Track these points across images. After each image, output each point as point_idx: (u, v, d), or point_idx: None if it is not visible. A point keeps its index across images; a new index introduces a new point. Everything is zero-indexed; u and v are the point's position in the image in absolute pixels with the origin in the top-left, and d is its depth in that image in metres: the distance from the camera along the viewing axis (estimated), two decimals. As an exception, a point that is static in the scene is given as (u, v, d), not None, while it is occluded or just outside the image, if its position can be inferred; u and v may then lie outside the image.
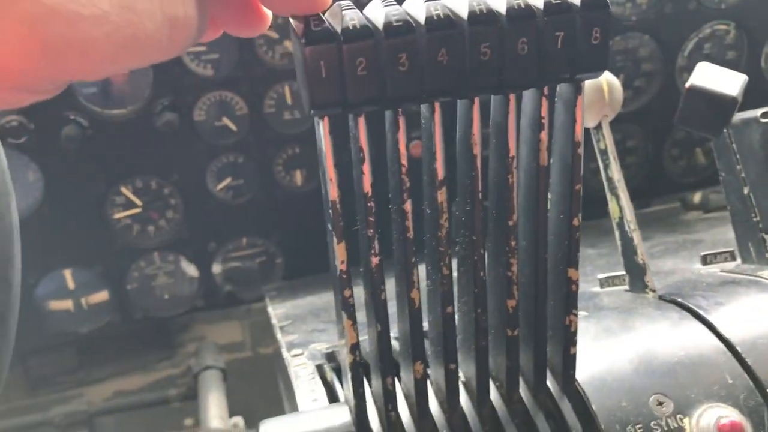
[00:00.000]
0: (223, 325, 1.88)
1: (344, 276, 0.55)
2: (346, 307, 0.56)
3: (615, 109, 0.79)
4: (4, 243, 0.66)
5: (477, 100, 0.52)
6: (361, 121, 0.51)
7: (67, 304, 1.40)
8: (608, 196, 0.80)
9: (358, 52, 0.47)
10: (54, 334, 1.39)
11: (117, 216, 1.34)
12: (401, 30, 0.47)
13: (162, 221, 1.37)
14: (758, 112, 0.93)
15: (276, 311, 1.02)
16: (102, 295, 1.40)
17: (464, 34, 0.48)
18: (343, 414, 0.56)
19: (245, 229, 1.41)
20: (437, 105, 0.52)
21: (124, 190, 1.33)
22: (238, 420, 1.63)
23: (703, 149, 1.41)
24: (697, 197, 1.35)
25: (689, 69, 1.35)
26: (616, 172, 0.79)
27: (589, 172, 1.39)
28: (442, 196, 0.54)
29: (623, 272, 0.82)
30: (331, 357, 0.74)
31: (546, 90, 0.53)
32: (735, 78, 0.83)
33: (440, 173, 0.53)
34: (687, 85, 0.83)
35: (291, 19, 0.50)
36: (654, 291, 0.77)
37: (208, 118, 1.32)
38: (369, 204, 0.53)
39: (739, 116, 0.95)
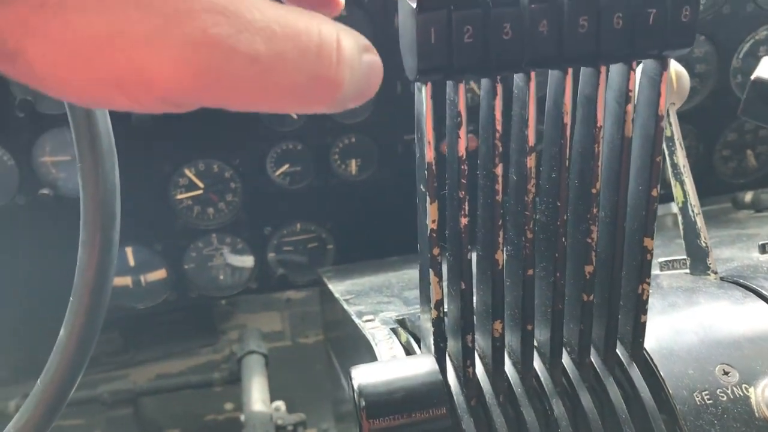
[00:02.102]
0: (264, 315, 1.93)
1: (434, 235, 0.58)
2: (434, 264, 0.59)
3: (682, 97, 0.82)
4: (108, 202, 0.71)
5: (570, 70, 0.55)
6: (462, 87, 0.55)
7: (127, 280, 1.45)
8: (672, 182, 0.83)
9: (466, 20, 0.51)
10: (112, 308, 1.45)
11: (179, 197, 1.40)
12: (507, 0, 0.51)
13: (221, 204, 1.42)
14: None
15: (336, 288, 1.06)
16: (160, 273, 1.46)
17: (564, 7, 0.51)
18: (428, 362, 0.59)
19: (300, 215, 1.46)
20: (533, 74, 0.55)
21: (187, 171, 1.38)
22: (280, 404, 1.68)
23: (755, 151, 1.43)
24: (748, 196, 1.36)
25: (743, 71, 1.37)
26: (681, 158, 0.82)
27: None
28: (531, 161, 0.58)
29: (683, 256, 0.84)
30: (402, 323, 0.78)
31: (634, 64, 0.56)
32: (799, 72, 0.85)
33: (531, 139, 0.57)
34: (752, 77, 0.85)
35: None
36: (716, 273, 0.79)
37: (271, 105, 1.36)
38: (462, 167, 0.57)
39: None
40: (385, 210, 1.43)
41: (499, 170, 0.57)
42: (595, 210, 0.60)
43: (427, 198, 0.58)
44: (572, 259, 0.63)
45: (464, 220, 0.58)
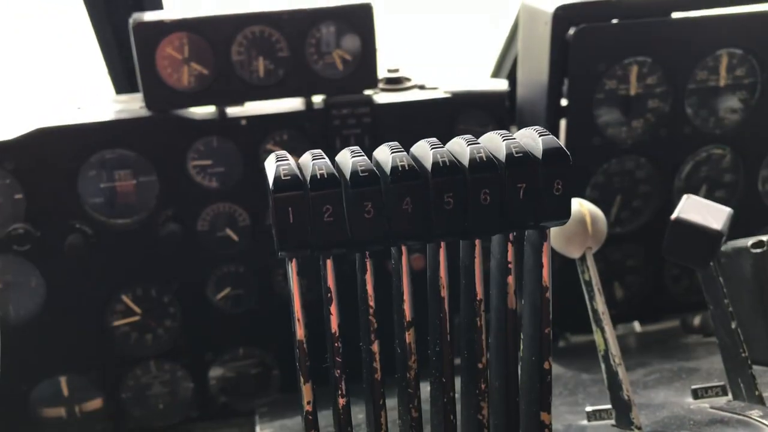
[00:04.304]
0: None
1: (310, 417, 0.54)
2: (312, 448, 0.55)
3: (599, 241, 0.80)
4: None
5: (443, 244, 0.53)
6: (329, 263, 0.52)
7: (60, 411, 1.38)
8: (593, 327, 0.79)
9: (324, 200, 0.49)
10: (45, 441, 1.37)
11: (116, 323, 1.35)
12: (367, 180, 0.49)
13: (160, 330, 1.37)
14: (749, 241, 0.93)
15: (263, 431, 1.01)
16: (96, 403, 1.39)
17: (428, 185, 0.49)
18: None
19: (243, 339, 1.41)
20: (404, 248, 0.53)
21: (124, 298, 1.34)
22: None
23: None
24: (696, 320, 1.33)
25: (687, 190, 1.36)
26: (600, 305, 0.78)
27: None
28: (410, 337, 0.54)
29: (610, 405, 0.80)
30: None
31: (512, 236, 0.54)
32: (720, 211, 0.84)
33: (408, 314, 0.54)
34: (672, 217, 0.84)
35: (266, 165, 0.52)
36: (639, 429, 0.75)
37: (211, 229, 1.34)
38: (336, 344, 0.53)
39: (730, 244, 0.96)
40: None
41: (375, 347, 0.54)
42: (483, 386, 0.56)
43: (301, 378, 0.54)
44: (465, 435, 0.59)
45: (342, 401, 0.54)
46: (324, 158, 0.51)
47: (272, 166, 0.50)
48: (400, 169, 0.49)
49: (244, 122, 1.30)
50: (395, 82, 1.39)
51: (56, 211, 1.26)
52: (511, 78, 1.58)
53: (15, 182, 1.24)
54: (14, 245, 1.25)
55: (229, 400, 1.43)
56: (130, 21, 1.21)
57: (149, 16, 1.22)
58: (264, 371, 1.43)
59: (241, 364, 1.43)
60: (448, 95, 1.35)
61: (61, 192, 1.26)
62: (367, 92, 1.33)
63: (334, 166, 0.51)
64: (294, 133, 1.32)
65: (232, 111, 1.31)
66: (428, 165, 0.50)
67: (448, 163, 0.49)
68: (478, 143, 0.51)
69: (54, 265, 1.29)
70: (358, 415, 0.85)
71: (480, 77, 1.64)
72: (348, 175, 0.49)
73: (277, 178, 0.49)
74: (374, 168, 0.49)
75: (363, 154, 0.51)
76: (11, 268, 1.27)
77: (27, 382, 1.34)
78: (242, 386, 1.43)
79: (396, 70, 1.41)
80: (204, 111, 1.31)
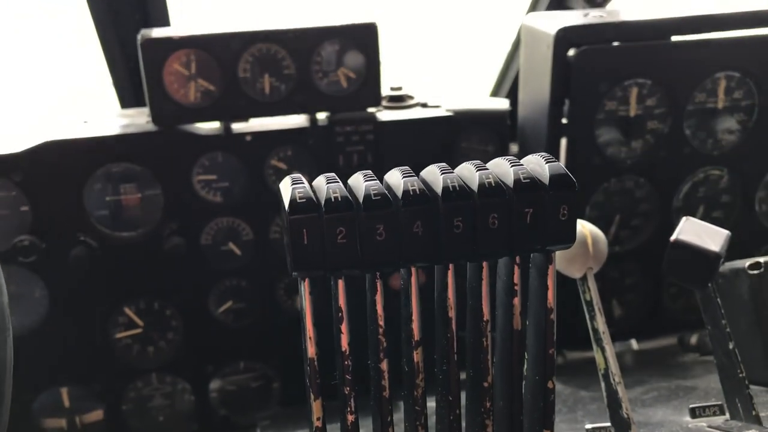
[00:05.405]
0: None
1: (320, 432, 0.55)
2: (321, 463, 0.56)
3: (599, 262, 0.81)
4: None
5: (452, 266, 0.54)
6: (341, 283, 0.53)
7: (61, 422, 1.39)
8: (594, 347, 0.81)
9: (338, 222, 0.50)
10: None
11: (118, 336, 1.36)
12: (379, 203, 0.50)
13: (162, 342, 1.38)
14: (746, 263, 0.95)
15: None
16: (96, 415, 1.40)
17: (438, 209, 0.51)
18: None
19: (244, 353, 1.42)
20: (414, 269, 0.54)
21: (127, 310, 1.35)
22: None
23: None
24: (693, 339, 1.34)
25: (685, 210, 1.38)
26: (601, 324, 0.80)
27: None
28: (417, 356, 0.56)
29: (609, 423, 0.81)
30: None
31: (518, 258, 0.55)
32: (718, 234, 0.85)
33: (416, 334, 0.55)
34: (672, 239, 0.85)
35: (281, 187, 0.53)
36: (639, 447, 0.76)
37: (214, 243, 1.35)
38: (346, 362, 0.55)
39: (728, 265, 0.98)
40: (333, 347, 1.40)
41: (384, 365, 0.55)
42: (488, 404, 0.57)
43: (311, 394, 0.55)
44: (470, 453, 0.60)
45: (351, 418, 0.55)
46: (338, 182, 0.52)
47: (287, 188, 0.51)
48: (411, 193, 0.51)
49: (249, 138, 1.31)
50: (398, 100, 1.41)
51: (62, 223, 1.28)
52: (511, 96, 1.60)
53: (21, 194, 1.25)
54: (19, 257, 1.26)
55: (230, 413, 1.44)
56: (139, 37, 1.23)
57: (157, 32, 1.24)
58: (265, 384, 1.44)
59: (242, 378, 1.44)
60: (450, 113, 1.37)
61: (66, 204, 1.27)
62: (371, 110, 1.35)
63: (346, 189, 0.52)
64: (298, 149, 1.34)
65: (238, 127, 1.33)
66: (438, 190, 0.51)
67: (458, 188, 0.51)
68: (487, 169, 0.53)
69: (58, 276, 1.30)
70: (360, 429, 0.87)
71: (481, 96, 1.66)
72: (361, 199, 0.51)
73: (292, 201, 0.50)
74: (386, 192, 0.51)
75: (375, 178, 0.52)
76: (16, 279, 1.28)
77: (29, 392, 1.35)
78: (243, 399, 1.44)
79: (399, 88, 1.43)
80: (209, 126, 1.33)
